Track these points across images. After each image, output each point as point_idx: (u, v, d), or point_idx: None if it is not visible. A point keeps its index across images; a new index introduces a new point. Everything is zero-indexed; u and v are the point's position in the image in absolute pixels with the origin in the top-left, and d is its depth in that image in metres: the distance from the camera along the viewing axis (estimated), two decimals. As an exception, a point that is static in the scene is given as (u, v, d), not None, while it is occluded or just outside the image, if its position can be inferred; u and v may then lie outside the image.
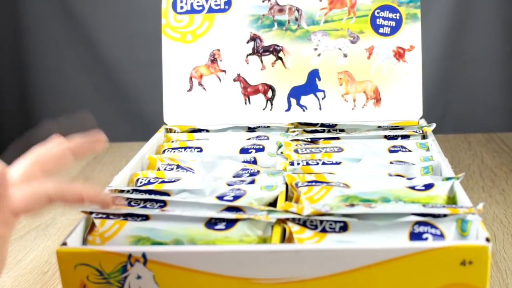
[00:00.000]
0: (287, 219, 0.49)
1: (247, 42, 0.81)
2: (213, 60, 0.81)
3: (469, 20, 1.39)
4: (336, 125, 0.76)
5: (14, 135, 1.61)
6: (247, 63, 0.81)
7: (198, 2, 0.82)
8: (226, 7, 0.81)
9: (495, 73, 1.44)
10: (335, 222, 0.48)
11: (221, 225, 0.48)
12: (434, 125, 0.72)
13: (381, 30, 0.79)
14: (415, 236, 0.46)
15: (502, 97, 1.45)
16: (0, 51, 1.55)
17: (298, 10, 0.80)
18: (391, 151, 0.65)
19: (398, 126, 0.75)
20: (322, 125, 0.77)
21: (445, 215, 0.47)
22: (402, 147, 0.67)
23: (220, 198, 0.53)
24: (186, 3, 0.82)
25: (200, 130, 0.79)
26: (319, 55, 0.80)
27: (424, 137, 0.72)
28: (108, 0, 1.49)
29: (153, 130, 0.78)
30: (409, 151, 0.66)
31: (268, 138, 0.73)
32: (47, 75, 1.55)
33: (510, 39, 1.41)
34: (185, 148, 0.71)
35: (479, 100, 1.46)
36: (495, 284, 0.59)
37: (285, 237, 0.48)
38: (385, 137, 0.71)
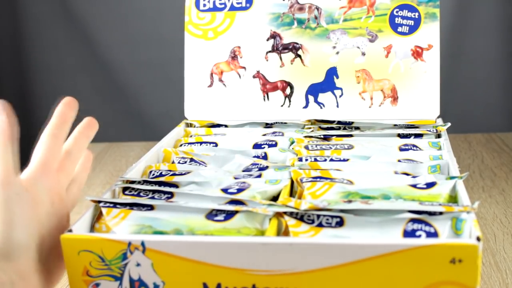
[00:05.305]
0: (285, 212, 0.50)
1: (267, 40, 0.82)
2: (234, 57, 0.83)
3: (469, 20, 1.37)
4: (352, 123, 0.77)
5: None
6: (267, 60, 0.82)
7: (220, 0, 0.83)
8: (247, 5, 0.83)
9: (495, 73, 1.42)
10: (332, 217, 0.49)
11: (220, 217, 0.50)
12: (449, 124, 0.72)
13: (399, 29, 0.79)
14: (408, 233, 0.47)
15: (502, 97, 1.43)
16: (0, 51, 1.56)
17: (317, 8, 0.81)
18: (401, 149, 0.66)
19: (413, 125, 0.76)
20: (339, 122, 0.77)
21: (440, 213, 0.47)
22: (414, 145, 0.67)
23: (225, 190, 0.54)
24: (208, 1, 0.84)
25: (219, 125, 0.81)
26: (337, 53, 0.80)
27: (438, 136, 0.72)
28: (109, 0, 1.49)
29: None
30: (420, 149, 0.66)
31: (283, 134, 0.74)
32: (47, 75, 1.56)
33: (510, 39, 1.39)
34: (201, 143, 0.72)
35: (479, 100, 1.44)
36: (495, 284, 0.59)
37: (282, 231, 0.49)
38: (399, 135, 0.72)
